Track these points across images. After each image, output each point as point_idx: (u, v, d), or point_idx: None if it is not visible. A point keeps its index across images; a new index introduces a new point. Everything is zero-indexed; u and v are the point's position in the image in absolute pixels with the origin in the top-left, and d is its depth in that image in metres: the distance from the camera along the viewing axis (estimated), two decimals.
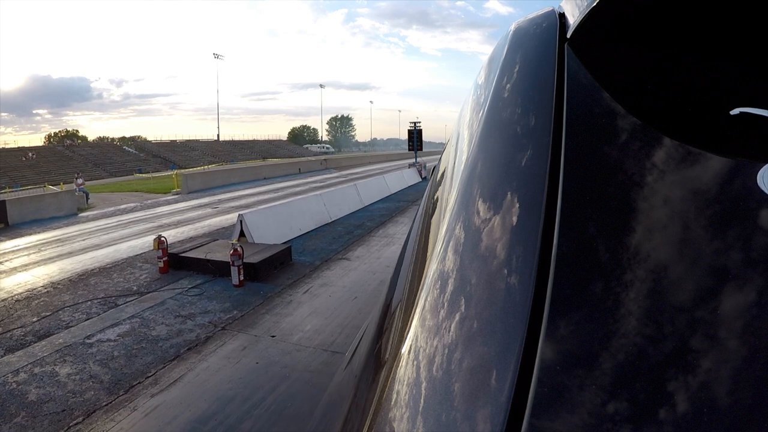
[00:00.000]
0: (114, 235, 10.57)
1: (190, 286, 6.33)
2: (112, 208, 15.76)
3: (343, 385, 0.64)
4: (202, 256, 6.84)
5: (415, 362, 0.33)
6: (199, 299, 5.82)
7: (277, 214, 8.82)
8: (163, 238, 7.04)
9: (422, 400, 0.30)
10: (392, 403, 0.32)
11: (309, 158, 41.00)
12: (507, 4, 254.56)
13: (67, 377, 4.13)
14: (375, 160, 43.75)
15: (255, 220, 8.06)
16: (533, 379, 0.26)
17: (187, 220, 12.19)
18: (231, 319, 5.13)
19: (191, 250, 7.25)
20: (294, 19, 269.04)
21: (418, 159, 23.78)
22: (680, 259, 0.30)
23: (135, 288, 6.52)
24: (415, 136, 23.19)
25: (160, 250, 6.98)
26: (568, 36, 0.49)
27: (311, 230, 9.46)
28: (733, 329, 0.26)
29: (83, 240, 10.34)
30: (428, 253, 0.44)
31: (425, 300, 0.37)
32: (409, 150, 23.85)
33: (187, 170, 27.75)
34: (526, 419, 0.25)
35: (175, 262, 7.05)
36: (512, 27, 0.63)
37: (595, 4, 0.42)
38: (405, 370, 0.33)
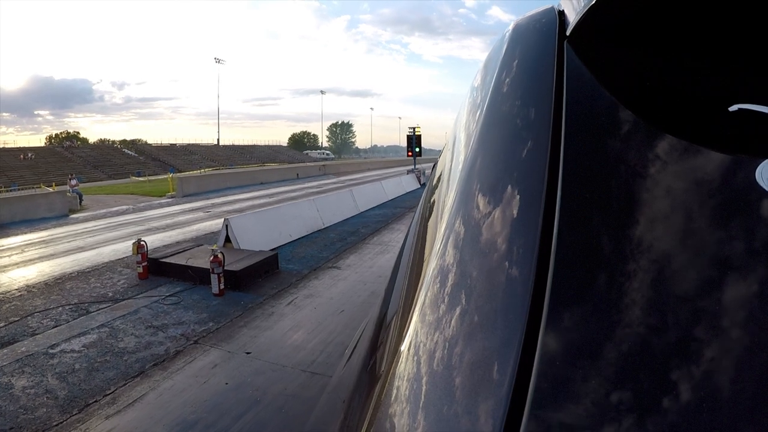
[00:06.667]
0: (100, 238, 10.24)
1: (167, 294, 5.94)
2: (103, 210, 15.52)
3: (344, 380, 0.62)
4: (182, 262, 6.44)
5: (415, 357, 0.33)
6: (175, 308, 5.43)
7: (266, 220, 8.39)
8: (143, 242, 6.66)
9: (423, 394, 0.29)
10: (393, 398, 0.32)
11: (308, 164, 40.73)
12: (509, 11, 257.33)
13: (22, 391, 3.77)
14: (374, 167, 43.51)
15: (242, 225, 7.64)
16: (533, 373, 0.26)
17: (177, 224, 11.83)
18: (205, 332, 4.72)
19: (172, 255, 6.86)
20: (297, 25, 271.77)
21: (418, 165, 23.49)
22: (679, 253, 0.29)
23: (110, 294, 6.14)
24: (413, 141, 22.78)
25: (140, 255, 6.60)
26: (568, 33, 0.49)
27: (302, 236, 9.02)
28: (732, 324, 0.26)
29: (68, 242, 10.04)
30: (428, 250, 0.44)
31: (425, 295, 0.37)
32: (408, 156, 23.49)
33: (182, 174, 27.44)
34: (526, 412, 0.25)
35: (155, 268, 6.67)
36: (512, 25, 0.62)
37: (594, 2, 0.42)
38: (406, 364, 0.33)
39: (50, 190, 18.48)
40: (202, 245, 7.58)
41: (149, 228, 11.36)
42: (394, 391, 0.32)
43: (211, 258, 5.56)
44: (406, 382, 0.32)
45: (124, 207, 16.29)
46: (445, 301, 0.34)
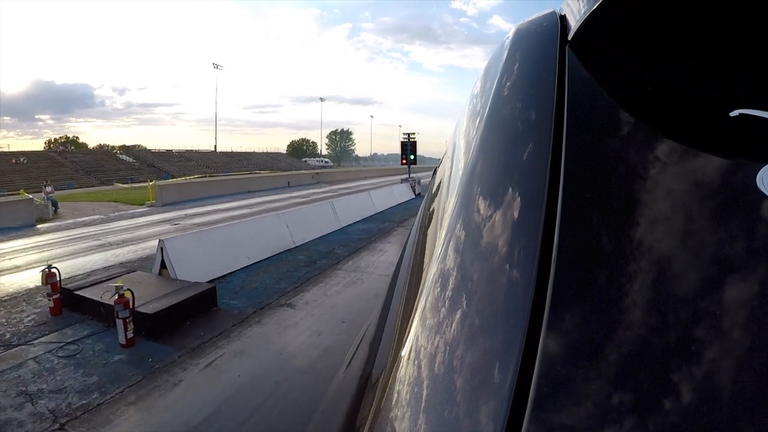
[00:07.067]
0: (46, 255, 9.04)
1: (69, 341, 4.67)
2: (70, 221, 14.46)
3: (344, 385, 0.62)
4: (97, 297, 5.18)
5: (416, 360, 0.33)
6: (66, 365, 4.15)
7: (215, 240, 7.05)
8: (53, 270, 5.41)
9: (424, 398, 0.29)
10: (394, 401, 0.32)
11: (302, 171, 39.51)
12: (510, 20, 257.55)
13: None
14: (371, 175, 42.29)
15: (181, 248, 6.30)
16: (534, 375, 0.26)
17: (134, 239, 10.58)
18: (82, 409, 3.42)
19: (90, 286, 5.58)
20: (298, 33, 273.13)
21: (415, 174, 22.19)
22: (680, 256, 0.30)
23: (7, 336, 4.91)
24: (408, 148, 21.39)
25: (49, 286, 5.36)
26: (569, 38, 0.49)
27: (264, 259, 7.69)
28: (733, 327, 0.26)
29: (8, 260, 8.91)
30: (428, 254, 0.44)
31: (426, 299, 0.37)
32: (403, 164, 22.14)
33: (162, 181, 26.21)
34: (527, 414, 0.25)
35: (71, 301, 5.42)
36: (513, 29, 0.63)
37: (596, 6, 0.43)
38: (407, 368, 0.33)
39: (28, 197, 17.31)
40: (135, 271, 6.30)
41: (103, 243, 10.14)
42: (395, 395, 0.32)
43: (115, 298, 4.28)
44: (406, 386, 0.32)
45: (95, 217, 15.18)
46: (446, 304, 0.34)
